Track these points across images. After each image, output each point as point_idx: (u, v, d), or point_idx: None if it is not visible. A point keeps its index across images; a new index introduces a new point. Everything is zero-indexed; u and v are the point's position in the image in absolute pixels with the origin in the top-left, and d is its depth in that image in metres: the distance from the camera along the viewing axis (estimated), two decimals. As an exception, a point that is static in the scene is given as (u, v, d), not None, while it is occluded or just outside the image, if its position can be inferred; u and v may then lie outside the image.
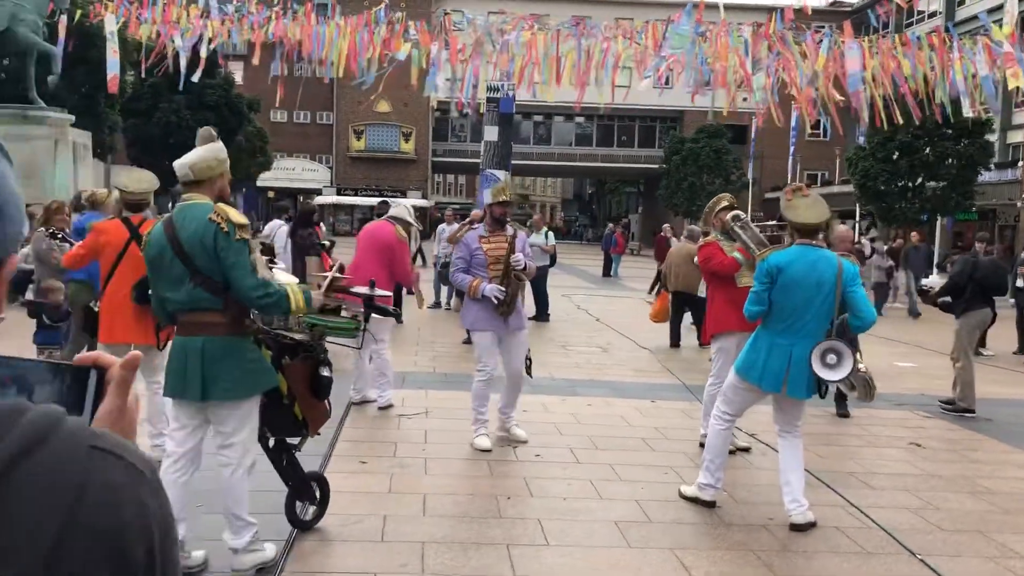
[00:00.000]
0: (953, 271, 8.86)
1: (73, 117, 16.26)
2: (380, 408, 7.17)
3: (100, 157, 27.63)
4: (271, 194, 59.18)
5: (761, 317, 4.90)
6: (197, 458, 3.88)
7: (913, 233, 20.90)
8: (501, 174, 15.92)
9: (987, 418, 8.07)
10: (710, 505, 5.11)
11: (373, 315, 4.90)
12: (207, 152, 3.78)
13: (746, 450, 6.48)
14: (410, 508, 4.82)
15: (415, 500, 4.95)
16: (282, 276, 4.41)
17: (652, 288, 19.91)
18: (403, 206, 7.55)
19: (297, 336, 4.13)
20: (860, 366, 5.00)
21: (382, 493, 5.06)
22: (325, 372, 4.17)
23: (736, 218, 6.08)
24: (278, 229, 12.23)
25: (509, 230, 6.25)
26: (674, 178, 46.13)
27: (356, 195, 53.44)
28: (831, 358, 4.75)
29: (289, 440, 4.29)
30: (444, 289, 15.95)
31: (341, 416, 6.83)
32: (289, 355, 4.10)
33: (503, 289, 5.99)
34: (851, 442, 6.95)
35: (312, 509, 4.45)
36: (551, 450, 6.26)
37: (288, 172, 56.60)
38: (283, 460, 4.29)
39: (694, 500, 5.16)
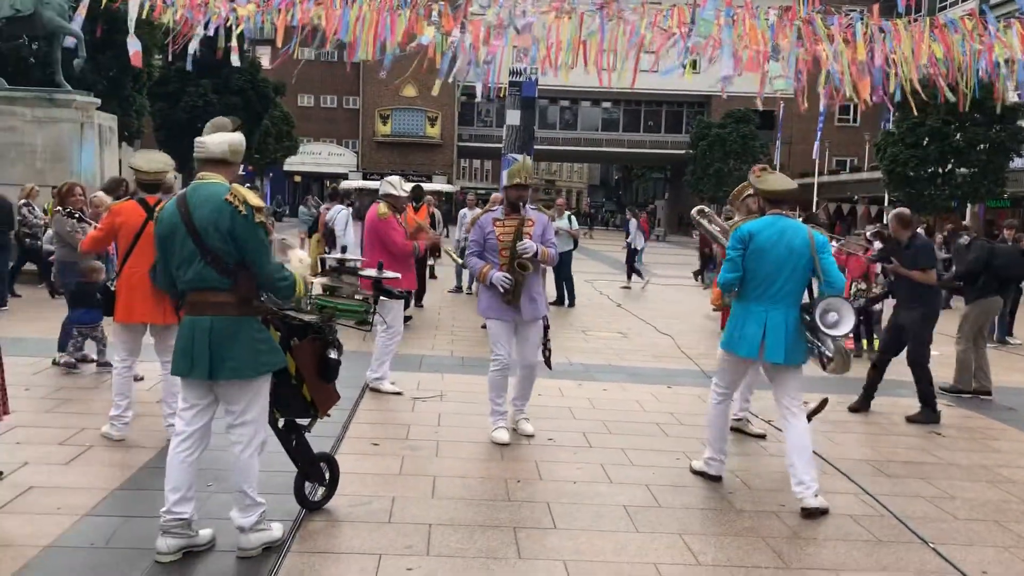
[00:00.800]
0: (970, 257, 8.73)
1: (99, 100, 16.38)
2: (371, 388, 7.17)
3: (127, 141, 27.92)
4: (297, 178, 59.60)
5: (736, 287, 5.06)
6: (205, 437, 3.90)
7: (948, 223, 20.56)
8: (520, 157, 15.86)
9: (1009, 407, 7.96)
10: (716, 479, 5.24)
11: (381, 298, 4.90)
12: (241, 138, 3.87)
13: (761, 436, 6.43)
14: (419, 490, 4.84)
15: (425, 482, 4.97)
16: (300, 254, 4.48)
17: (698, 274, 19.80)
18: (388, 181, 7.37)
19: (306, 317, 4.14)
20: (838, 334, 5.00)
21: (392, 475, 5.08)
22: (333, 354, 4.18)
23: (701, 212, 6.57)
24: (339, 214, 12.64)
25: (530, 213, 5.98)
26: (701, 164, 45.82)
27: (382, 179, 53.60)
28: (832, 317, 4.88)
29: (299, 421, 4.31)
30: (465, 273, 15.97)
31: (356, 398, 6.87)
32: (298, 336, 4.12)
33: (509, 277, 5.80)
34: (869, 429, 6.88)
35: (321, 490, 4.47)
36: (564, 434, 6.24)
37: (315, 156, 56.89)
38: (292, 441, 4.31)
39: (702, 474, 5.31)
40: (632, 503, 4.81)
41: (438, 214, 19.32)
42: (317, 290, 4.27)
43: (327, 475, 4.49)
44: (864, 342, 10.90)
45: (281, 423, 4.27)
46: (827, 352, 4.97)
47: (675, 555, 4.13)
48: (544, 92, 55.39)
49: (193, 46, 10.21)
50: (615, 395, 7.70)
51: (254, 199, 3.66)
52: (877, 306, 10.98)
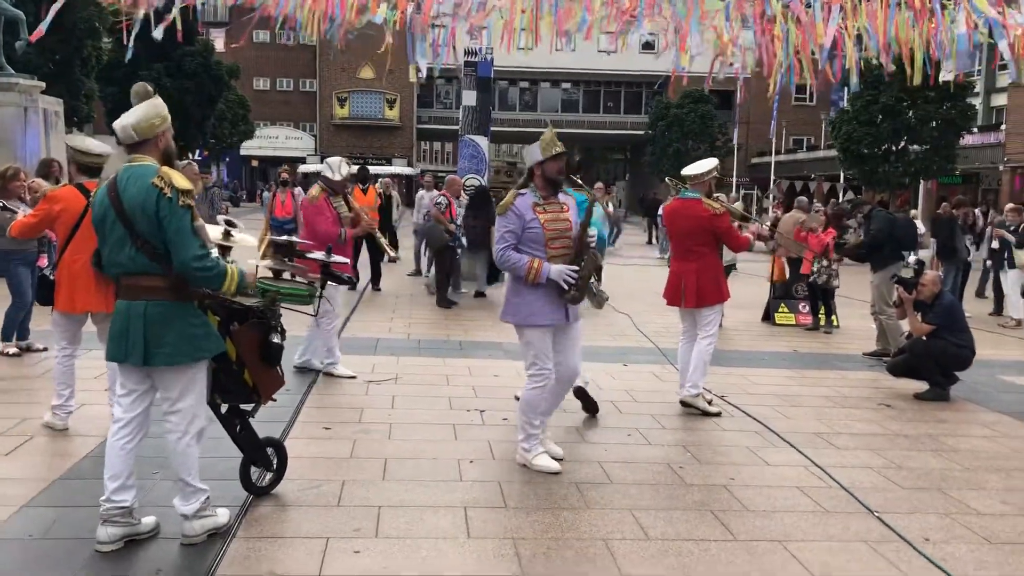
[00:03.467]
0: (875, 228, 9.04)
1: (43, 84, 15.97)
2: (324, 373, 7.10)
3: (77, 126, 27.28)
4: (255, 163, 58.84)
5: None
6: (145, 424, 3.81)
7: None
8: (482, 140, 15.77)
9: (958, 378, 8.10)
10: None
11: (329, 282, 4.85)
12: (148, 109, 3.67)
13: (717, 415, 6.48)
14: (370, 473, 4.80)
15: (376, 465, 4.93)
16: (243, 238, 4.36)
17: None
18: (327, 163, 7.21)
19: (247, 301, 4.06)
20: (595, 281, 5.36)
21: (343, 458, 5.04)
22: (275, 339, 4.11)
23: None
24: (422, 200, 13.08)
25: (561, 196, 5.04)
26: (660, 144, 45.98)
27: (360, 165, 53.02)
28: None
29: (242, 407, 4.24)
30: (425, 256, 15.89)
31: (309, 383, 6.81)
32: (238, 320, 4.06)
33: (575, 270, 4.85)
34: (820, 403, 6.96)
35: (268, 475, 4.42)
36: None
37: (272, 140, 56.20)
38: (236, 427, 4.25)
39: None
40: (584, 480, 4.82)
41: (396, 196, 19.23)
42: (264, 272, 4.20)
43: (274, 460, 4.43)
44: (822, 317, 11.03)
45: (224, 409, 4.20)
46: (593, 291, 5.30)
47: (625, 530, 4.14)
48: (503, 74, 55.23)
49: (135, 29, 9.94)
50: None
51: (181, 182, 3.55)
52: (836, 282, 11.13)
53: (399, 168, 51.22)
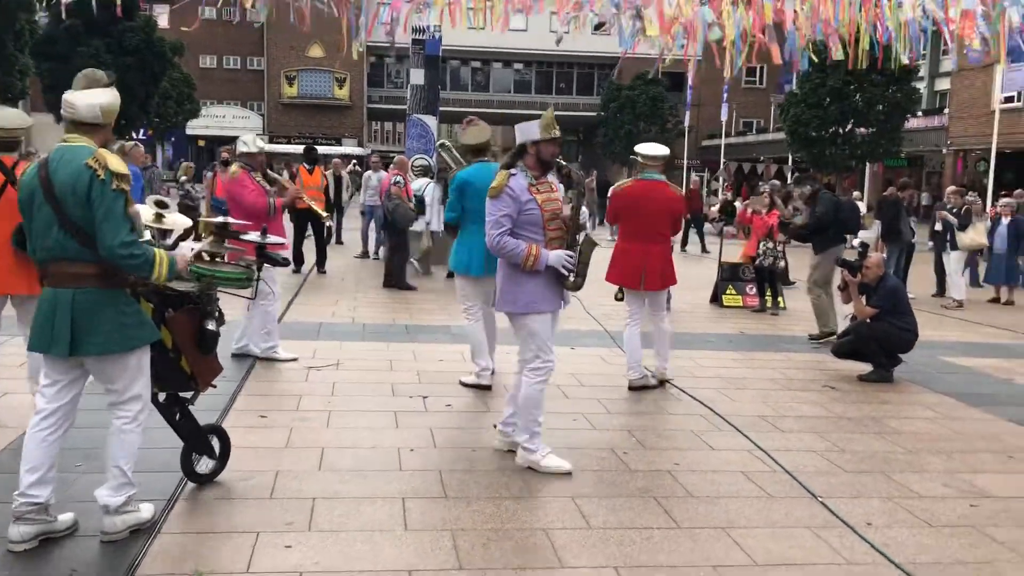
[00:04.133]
0: (820, 210, 9.08)
1: (-28, 59, 15.34)
2: (262, 358, 6.91)
3: (11, 102, 26.35)
4: (201, 142, 57.58)
5: (459, 222, 6.35)
6: (70, 416, 3.63)
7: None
8: (430, 119, 15.54)
9: (901, 360, 8.17)
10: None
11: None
12: (114, 96, 3.58)
13: (661, 385, 6.64)
14: (306, 463, 4.64)
15: (312, 454, 4.77)
16: (176, 219, 4.20)
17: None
18: (241, 139, 6.93)
19: (182, 287, 3.91)
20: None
21: (279, 448, 4.87)
22: (211, 326, 3.99)
23: (443, 145, 8.36)
24: (426, 186, 12.70)
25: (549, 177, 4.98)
26: (612, 126, 46.02)
27: (289, 143, 52.11)
28: None
29: (182, 395, 4.11)
30: (372, 237, 15.65)
31: (247, 369, 6.61)
32: (173, 307, 3.92)
33: (572, 255, 4.68)
34: (765, 385, 6.95)
35: (211, 463, 4.30)
36: (463, 399, 6.13)
37: (219, 120, 54.99)
38: (176, 415, 4.13)
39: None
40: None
41: (347, 177, 18.91)
42: (199, 256, 4.00)
43: (217, 448, 4.31)
44: (768, 298, 11.08)
45: (162, 397, 4.07)
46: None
47: (566, 519, 4.05)
48: (455, 53, 54.79)
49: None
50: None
51: (116, 165, 3.40)
52: (782, 264, 11.18)
53: (349, 148, 50.56)
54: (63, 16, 29.97)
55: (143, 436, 3.72)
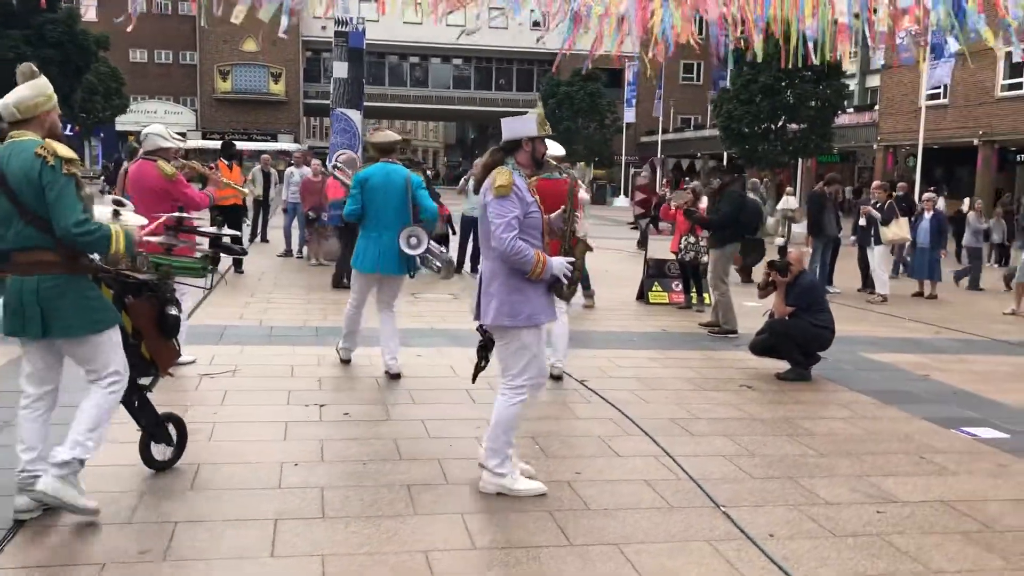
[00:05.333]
0: (724, 209, 9.12)
1: None
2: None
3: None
4: (131, 138, 55.99)
5: (359, 218, 6.56)
6: (55, 396, 3.88)
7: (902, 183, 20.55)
8: (354, 114, 15.14)
9: (822, 356, 8.07)
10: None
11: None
12: (31, 89, 3.70)
13: (558, 379, 6.58)
14: (177, 482, 4.29)
15: (186, 472, 4.42)
16: (131, 217, 4.31)
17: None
18: (155, 133, 6.52)
19: (140, 275, 4.12)
20: (442, 249, 6.76)
21: (149, 465, 4.50)
22: (172, 311, 4.19)
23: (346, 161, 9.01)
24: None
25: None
26: (551, 122, 45.93)
27: (222, 139, 50.93)
28: (413, 240, 6.43)
29: (140, 380, 4.23)
30: (296, 235, 15.21)
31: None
32: (132, 294, 4.10)
33: (572, 261, 4.33)
34: (680, 386, 6.77)
35: (170, 451, 4.44)
36: (362, 407, 5.81)
37: (150, 115, 53.32)
38: (134, 402, 4.25)
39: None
40: (418, 481, 4.43)
41: (275, 174, 18.40)
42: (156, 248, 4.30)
43: (174, 435, 4.45)
44: (694, 295, 10.97)
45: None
46: (436, 263, 6.81)
47: (451, 539, 3.77)
48: (393, 48, 54.17)
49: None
50: (430, 360, 7.32)
51: (65, 151, 3.58)
52: (704, 259, 11.05)
53: (285, 144, 49.59)
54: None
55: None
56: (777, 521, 4.15)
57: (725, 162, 36.70)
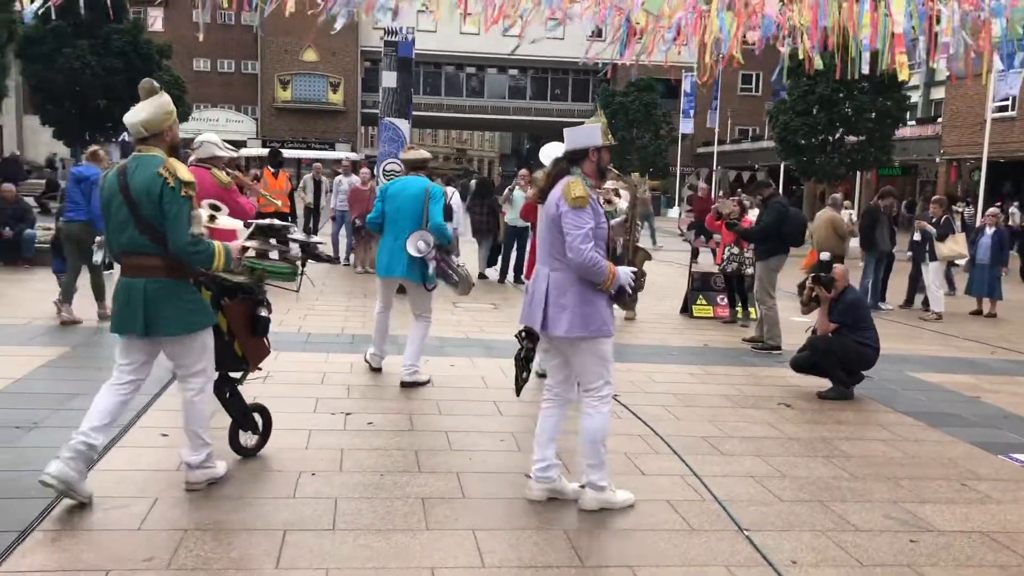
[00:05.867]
0: (766, 219, 8.90)
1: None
2: None
3: (-10, 102, 26.04)
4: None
5: (379, 227, 6.78)
6: (140, 386, 4.22)
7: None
8: (402, 123, 15.19)
9: (867, 376, 7.80)
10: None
11: None
12: (156, 108, 4.00)
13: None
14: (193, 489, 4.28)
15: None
16: (225, 221, 4.75)
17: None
18: (209, 141, 6.53)
19: (236, 278, 4.44)
20: (460, 263, 6.81)
21: (166, 471, 4.49)
22: (263, 312, 4.57)
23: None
24: (451, 196, 12.50)
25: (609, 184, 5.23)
26: (605, 132, 45.69)
27: (283, 147, 51.70)
28: (420, 244, 6.46)
29: (231, 374, 4.63)
30: (343, 243, 15.32)
31: (166, 382, 6.23)
32: (228, 296, 4.46)
33: (636, 271, 4.38)
34: (717, 403, 6.59)
35: (255, 439, 4.79)
36: (388, 417, 5.77)
37: (211, 123, 54.52)
38: (227, 393, 4.63)
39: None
40: (433, 495, 4.36)
41: (326, 182, 18.60)
42: (250, 253, 4.46)
43: (260, 424, 4.80)
44: (739, 309, 10.73)
45: (215, 377, 4.46)
46: (455, 276, 6.73)
47: (460, 556, 3.69)
48: (450, 59, 54.53)
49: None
50: (462, 371, 7.26)
51: (184, 174, 3.91)
52: (749, 270, 10.82)
53: (343, 153, 50.16)
54: (52, 16, 29.72)
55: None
56: (802, 547, 3.98)
57: (758, 176, 36.14)
